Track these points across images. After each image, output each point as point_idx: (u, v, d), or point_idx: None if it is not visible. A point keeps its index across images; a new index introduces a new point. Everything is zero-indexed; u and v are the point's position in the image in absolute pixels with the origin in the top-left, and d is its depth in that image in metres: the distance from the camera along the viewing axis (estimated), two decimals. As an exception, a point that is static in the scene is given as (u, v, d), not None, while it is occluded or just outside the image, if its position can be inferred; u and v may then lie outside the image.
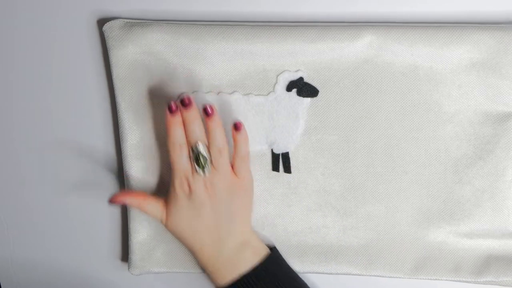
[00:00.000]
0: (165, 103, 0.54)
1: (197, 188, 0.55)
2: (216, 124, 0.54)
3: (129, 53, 0.57)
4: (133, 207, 0.58)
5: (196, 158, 0.54)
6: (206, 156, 0.54)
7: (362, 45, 0.55)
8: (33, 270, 0.66)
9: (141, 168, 0.60)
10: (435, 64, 0.55)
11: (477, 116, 0.56)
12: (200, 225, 0.56)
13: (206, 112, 0.54)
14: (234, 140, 0.55)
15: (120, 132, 0.60)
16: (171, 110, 0.53)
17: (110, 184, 0.63)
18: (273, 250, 0.59)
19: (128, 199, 0.56)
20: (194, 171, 0.54)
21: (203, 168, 0.54)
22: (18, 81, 0.62)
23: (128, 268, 0.62)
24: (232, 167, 0.56)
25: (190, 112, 0.54)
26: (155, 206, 0.57)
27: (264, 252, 0.57)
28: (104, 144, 0.63)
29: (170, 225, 0.57)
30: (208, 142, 0.55)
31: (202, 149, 0.54)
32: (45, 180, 0.64)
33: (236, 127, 0.55)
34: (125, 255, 0.65)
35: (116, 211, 0.64)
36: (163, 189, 0.59)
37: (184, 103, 0.53)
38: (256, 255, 0.57)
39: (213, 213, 0.55)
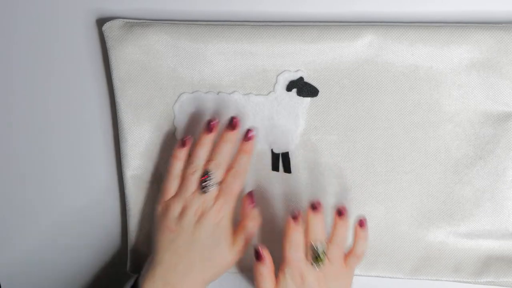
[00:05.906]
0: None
1: (311, 282, 0.53)
2: (343, 223, 0.54)
3: (129, 53, 0.57)
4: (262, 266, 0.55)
5: (315, 257, 0.53)
6: (325, 253, 0.53)
7: (362, 45, 0.55)
8: (33, 270, 0.66)
9: (140, 168, 0.60)
10: (436, 64, 0.55)
11: (477, 116, 0.56)
12: None
13: (339, 213, 0.54)
14: (356, 236, 0.55)
15: (119, 132, 0.60)
16: (294, 217, 0.53)
17: (109, 184, 0.63)
18: None
19: (268, 259, 0.55)
20: (309, 263, 0.53)
21: (320, 263, 0.53)
22: (17, 81, 0.62)
23: (127, 268, 0.62)
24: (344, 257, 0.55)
25: (316, 216, 0.54)
26: (271, 279, 0.54)
27: None
28: (103, 144, 0.63)
29: None
30: (332, 238, 0.54)
31: (322, 248, 0.53)
32: (44, 180, 0.64)
33: (361, 223, 0.55)
34: (124, 255, 0.65)
35: (115, 211, 0.64)
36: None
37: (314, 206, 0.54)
38: None
39: None
